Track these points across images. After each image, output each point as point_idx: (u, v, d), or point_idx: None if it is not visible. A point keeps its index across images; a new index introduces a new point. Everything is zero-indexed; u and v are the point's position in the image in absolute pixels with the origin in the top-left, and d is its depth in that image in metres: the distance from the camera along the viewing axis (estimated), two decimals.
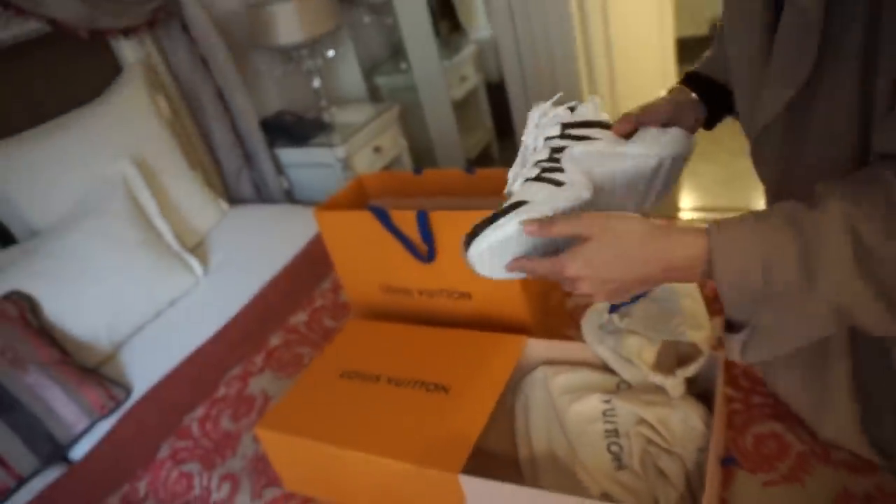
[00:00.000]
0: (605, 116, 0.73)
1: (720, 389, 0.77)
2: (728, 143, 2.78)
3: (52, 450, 1.19)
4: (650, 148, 0.72)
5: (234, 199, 2.13)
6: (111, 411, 1.26)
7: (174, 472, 1.06)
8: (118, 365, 1.41)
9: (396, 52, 2.91)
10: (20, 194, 1.49)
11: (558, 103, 0.74)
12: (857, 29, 0.54)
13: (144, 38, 1.90)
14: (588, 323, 0.91)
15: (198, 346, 1.37)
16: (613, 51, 2.42)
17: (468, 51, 2.91)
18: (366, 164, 2.24)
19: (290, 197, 2.28)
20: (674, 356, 0.84)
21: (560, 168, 0.69)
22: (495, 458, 0.88)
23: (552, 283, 1.07)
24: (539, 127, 0.73)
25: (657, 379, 0.80)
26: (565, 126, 0.71)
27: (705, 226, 0.57)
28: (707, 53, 0.87)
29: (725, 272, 0.55)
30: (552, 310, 1.09)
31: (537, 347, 0.95)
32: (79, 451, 1.22)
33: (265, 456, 1.02)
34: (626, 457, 0.79)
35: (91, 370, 1.32)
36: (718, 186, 2.61)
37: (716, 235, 0.55)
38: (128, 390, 1.31)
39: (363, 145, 2.22)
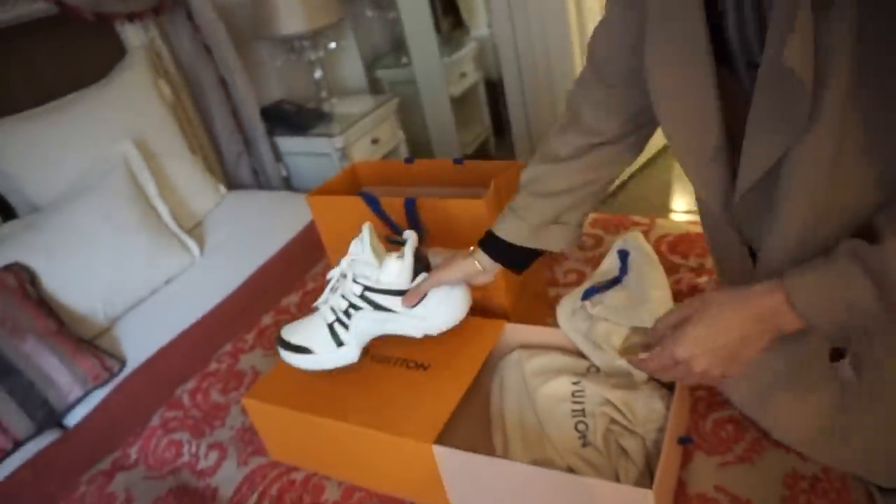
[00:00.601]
0: (403, 283, 0.89)
1: None
2: None
3: (48, 415, 1.24)
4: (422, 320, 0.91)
5: (232, 185, 2.17)
6: (105, 381, 1.31)
7: (164, 440, 1.11)
8: (113, 338, 1.45)
9: (398, 46, 2.95)
10: (22, 170, 1.53)
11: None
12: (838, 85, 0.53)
13: (149, 23, 1.94)
14: (562, 309, 0.96)
15: (191, 323, 1.41)
16: None
17: (469, 48, 2.96)
18: (363, 154, 2.28)
19: (288, 184, 2.33)
20: (640, 342, 0.89)
21: (346, 325, 0.90)
22: (469, 437, 0.93)
23: (533, 274, 1.12)
24: (352, 263, 0.91)
25: (623, 363, 0.85)
26: (366, 288, 0.89)
27: (774, 282, 0.59)
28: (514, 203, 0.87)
29: (814, 317, 0.58)
30: (533, 298, 1.14)
31: (514, 332, 0.99)
32: (73, 418, 1.27)
33: (252, 427, 1.07)
34: (590, 435, 0.84)
35: (86, 341, 1.37)
36: None
37: (791, 285, 0.58)
38: (122, 362, 1.35)
39: (361, 136, 2.26)
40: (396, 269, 0.88)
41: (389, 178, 1.21)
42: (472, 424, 0.94)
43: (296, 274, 1.51)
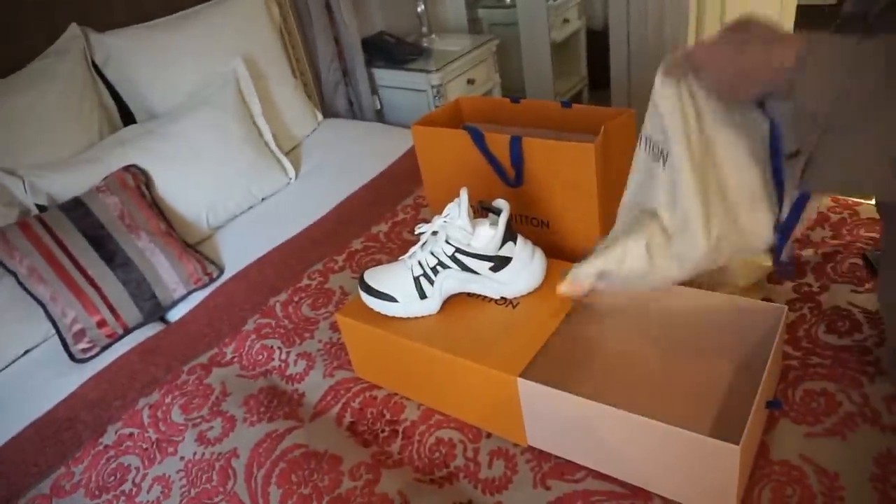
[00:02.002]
0: (491, 249, 0.91)
1: (780, 333, 0.80)
2: None
3: (154, 308, 1.34)
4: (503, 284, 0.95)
5: (328, 112, 2.22)
6: (205, 284, 1.40)
7: (257, 344, 1.18)
8: (214, 246, 1.55)
9: None
10: (145, 77, 1.62)
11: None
12: None
13: None
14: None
15: (285, 240, 1.48)
16: (727, 9, 2.31)
17: None
18: (458, 93, 2.27)
19: (381, 116, 2.35)
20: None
21: (432, 281, 0.94)
22: (552, 378, 0.94)
23: None
24: (446, 225, 0.93)
25: None
26: (457, 250, 0.92)
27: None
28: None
29: (816, 64, 0.58)
30: None
31: None
32: (175, 314, 1.37)
33: (339, 343, 1.13)
34: None
35: (191, 246, 1.46)
36: None
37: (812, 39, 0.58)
38: (221, 268, 1.44)
39: (458, 75, 2.25)
40: (488, 237, 0.91)
41: (493, 116, 1.20)
42: (558, 365, 0.96)
43: (386, 204, 1.55)
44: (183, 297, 1.38)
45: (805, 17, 2.69)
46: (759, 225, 0.73)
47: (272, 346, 1.17)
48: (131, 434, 1.05)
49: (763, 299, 0.99)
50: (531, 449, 0.88)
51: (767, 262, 0.97)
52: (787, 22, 2.59)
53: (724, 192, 0.71)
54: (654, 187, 0.75)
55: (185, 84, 1.65)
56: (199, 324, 1.28)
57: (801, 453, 0.78)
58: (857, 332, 0.92)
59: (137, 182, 1.42)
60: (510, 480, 0.85)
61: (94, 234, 1.30)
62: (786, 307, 0.82)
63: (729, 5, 2.30)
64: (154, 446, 1.02)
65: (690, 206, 0.70)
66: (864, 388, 0.83)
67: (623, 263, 0.78)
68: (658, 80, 0.72)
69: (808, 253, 1.09)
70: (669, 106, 0.70)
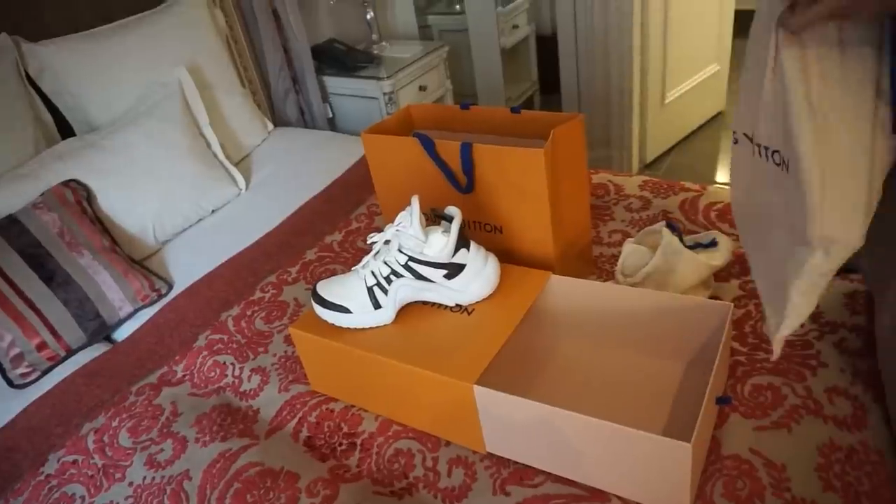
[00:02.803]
0: (444, 256, 0.91)
1: (727, 331, 0.82)
2: None
3: (99, 328, 1.29)
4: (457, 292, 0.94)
5: (278, 121, 2.19)
6: (153, 301, 1.36)
7: (209, 361, 1.15)
8: (161, 261, 1.50)
9: None
10: (84, 89, 1.56)
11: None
12: None
13: None
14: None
15: (236, 252, 1.45)
16: (670, 14, 2.38)
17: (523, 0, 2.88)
18: (410, 100, 2.27)
19: (333, 124, 2.33)
20: None
21: (386, 290, 0.93)
22: (509, 384, 0.95)
23: (582, 228, 1.12)
24: (398, 234, 0.92)
25: None
26: (410, 258, 0.91)
27: None
28: None
29: None
30: (578, 254, 1.14)
31: (559, 284, 1.00)
32: (121, 334, 1.32)
33: (293, 356, 1.11)
34: None
35: (137, 262, 1.41)
36: None
37: None
38: (170, 284, 1.40)
39: (409, 82, 2.25)
40: (440, 245, 0.91)
41: (444, 123, 1.21)
42: (513, 370, 0.96)
43: (339, 213, 1.53)
44: (130, 315, 1.34)
45: (744, 21, 2.80)
46: None
47: (225, 363, 1.14)
48: (75, 461, 1.01)
49: (710, 297, 1.02)
50: (490, 456, 0.87)
51: (715, 261, 1.00)
52: (726, 28, 2.69)
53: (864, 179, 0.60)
54: (779, 194, 0.66)
55: (127, 95, 1.60)
56: (147, 342, 1.24)
57: (750, 447, 0.80)
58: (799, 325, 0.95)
59: (78, 197, 1.37)
60: (469, 488, 0.84)
61: (31, 253, 1.24)
62: (732, 305, 0.85)
63: (672, 8, 2.37)
64: (100, 473, 0.98)
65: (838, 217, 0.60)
66: (808, 381, 0.86)
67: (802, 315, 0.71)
68: (781, 48, 0.58)
69: None
70: (793, 87, 0.58)
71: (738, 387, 0.88)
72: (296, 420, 1.00)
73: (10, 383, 1.20)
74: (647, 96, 2.44)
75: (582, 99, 2.48)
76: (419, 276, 0.93)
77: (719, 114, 2.90)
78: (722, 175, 2.57)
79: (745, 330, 0.97)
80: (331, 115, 2.31)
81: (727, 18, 2.64)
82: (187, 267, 1.45)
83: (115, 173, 1.46)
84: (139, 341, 1.24)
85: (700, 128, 2.84)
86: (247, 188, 1.74)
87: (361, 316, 0.95)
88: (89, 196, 1.41)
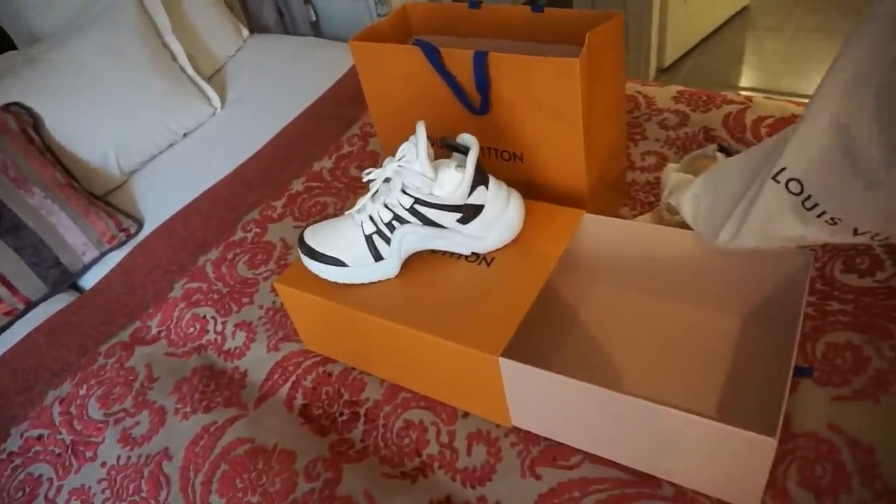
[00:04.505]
0: (458, 198, 0.74)
1: (808, 282, 0.67)
2: (799, 19, 2.50)
3: (61, 276, 1.14)
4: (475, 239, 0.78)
5: (255, 27, 1.94)
6: (121, 243, 1.20)
7: (187, 314, 1.01)
8: (128, 195, 1.33)
9: None
10: None
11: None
12: None
13: None
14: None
15: (213, 183, 1.27)
16: None
17: None
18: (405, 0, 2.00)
19: (317, 30, 2.08)
20: None
21: (388, 239, 0.77)
22: (539, 349, 0.81)
23: (617, 152, 0.95)
24: (401, 170, 0.74)
25: None
26: (417, 200, 0.75)
27: None
28: None
29: None
30: (610, 183, 0.97)
31: (594, 224, 0.84)
32: (88, 281, 1.18)
33: (284, 309, 0.96)
34: None
35: (99, 198, 1.24)
36: (782, 65, 2.36)
37: None
38: (139, 222, 1.24)
39: None
40: (454, 183, 0.73)
41: (450, 27, 1.00)
42: (543, 332, 0.82)
43: (329, 134, 1.34)
44: (96, 260, 1.18)
45: None
46: None
47: (205, 316, 1.00)
48: (40, 437, 0.89)
49: None
50: (516, 430, 0.75)
51: None
52: None
53: None
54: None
55: (69, 2, 1.36)
56: (116, 292, 1.09)
57: (829, 422, 0.67)
58: (879, 269, 0.80)
59: (22, 125, 1.17)
60: (493, 469, 0.72)
61: None
62: (813, 252, 0.69)
63: None
64: (69, 451, 0.86)
65: None
66: None
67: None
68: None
69: None
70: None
71: (807, 346, 0.74)
72: (289, 385, 0.87)
73: None
74: None
75: None
76: (428, 222, 0.77)
77: (744, 9, 2.63)
78: (746, 80, 2.35)
79: (811, 274, 0.82)
80: (314, 19, 2.05)
81: None
82: (158, 201, 1.28)
83: (63, 94, 1.25)
84: (106, 292, 1.09)
85: (723, 26, 2.58)
86: (222, 106, 1.54)
87: (360, 269, 0.79)
88: (35, 122, 1.22)
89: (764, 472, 0.58)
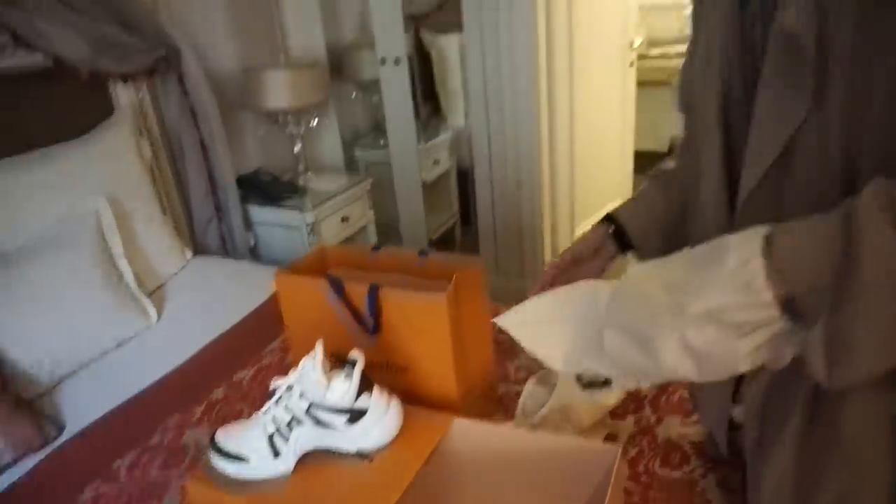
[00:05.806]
0: (346, 402, 0.91)
1: (616, 475, 0.83)
2: None
3: None
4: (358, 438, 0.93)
5: (199, 249, 2.18)
6: (39, 447, 1.26)
7: None
8: (55, 400, 1.42)
9: (378, 127, 3.07)
10: None
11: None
12: (840, 73, 0.53)
13: (141, 84, 2.00)
14: None
15: (138, 391, 1.39)
16: (575, 152, 2.61)
17: (445, 136, 3.10)
18: (332, 231, 2.33)
19: (255, 254, 2.35)
20: None
21: (286, 438, 0.92)
22: None
23: (485, 367, 1.16)
24: (301, 379, 0.93)
25: None
26: (312, 404, 0.91)
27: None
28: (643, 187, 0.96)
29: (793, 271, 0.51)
30: (482, 393, 1.16)
31: (463, 428, 1.01)
32: (5, 482, 1.22)
33: None
34: None
35: (25, 402, 1.33)
36: None
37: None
38: (60, 427, 1.32)
39: (332, 213, 2.32)
40: (342, 390, 0.92)
41: (357, 263, 1.25)
42: None
43: (252, 348, 1.51)
44: (11, 464, 1.23)
45: (642, 160, 3.10)
46: None
47: None
48: None
49: (607, 435, 1.05)
50: None
51: (609, 400, 1.05)
52: (627, 166, 2.96)
53: None
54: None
55: (39, 223, 1.57)
56: (26, 496, 1.14)
57: None
58: (685, 464, 0.99)
59: None
60: None
61: None
62: (619, 448, 0.88)
63: (577, 149, 2.60)
64: None
65: None
66: None
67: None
68: None
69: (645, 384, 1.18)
70: None
71: None
72: None
73: None
74: (558, 230, 2.60)
75: (497, 231, 2.62)
76: (320, 423, 0.93)
77: None
78: None
79: (639, 469, 1.00)
80: (253, 244, 2.33)
81: (628, 160, 2.92)
82: (84, 406, 1.37)
83: (9, 304, 1.40)
84: (16, 496, 1.14)
85: None
86: (158, 320, 1.70)
87: (259, 465, 0.92)
88: None
89: None
